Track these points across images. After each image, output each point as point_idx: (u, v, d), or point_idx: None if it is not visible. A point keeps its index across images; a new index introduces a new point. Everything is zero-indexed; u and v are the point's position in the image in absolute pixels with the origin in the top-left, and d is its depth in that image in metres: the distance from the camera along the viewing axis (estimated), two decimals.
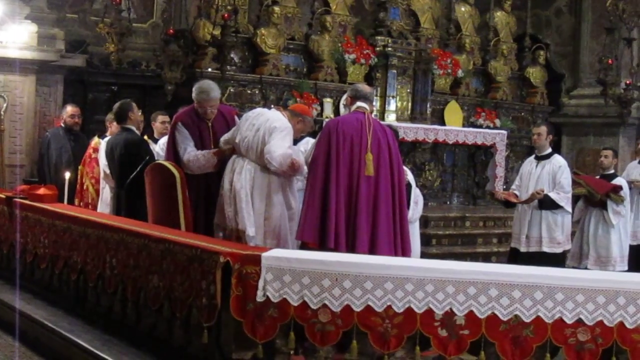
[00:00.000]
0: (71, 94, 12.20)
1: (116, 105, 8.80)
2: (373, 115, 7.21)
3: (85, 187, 9.84)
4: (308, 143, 7.79)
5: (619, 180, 10.06)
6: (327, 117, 12.65)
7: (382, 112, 13.56)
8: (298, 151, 7.44)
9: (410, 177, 7.76)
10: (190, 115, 7.86)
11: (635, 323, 4.96)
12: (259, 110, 7.59)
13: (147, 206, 7.87)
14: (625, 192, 9.95)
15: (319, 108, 13.01)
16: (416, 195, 7.82)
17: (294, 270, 4.94)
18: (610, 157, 10.20)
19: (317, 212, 6.64)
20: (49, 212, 7.57)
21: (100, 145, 9.65)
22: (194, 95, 7.77)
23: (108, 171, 9.02)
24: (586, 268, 9.68)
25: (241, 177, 7.21)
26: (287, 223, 7.24)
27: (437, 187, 14.48)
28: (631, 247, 10.78)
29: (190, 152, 7.67)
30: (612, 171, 10.22)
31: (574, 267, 9.62)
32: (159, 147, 9.27)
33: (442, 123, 14.50)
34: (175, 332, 5.62)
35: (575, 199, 9.73)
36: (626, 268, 9.82)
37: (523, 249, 9.30)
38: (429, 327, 4.93)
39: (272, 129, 7.16)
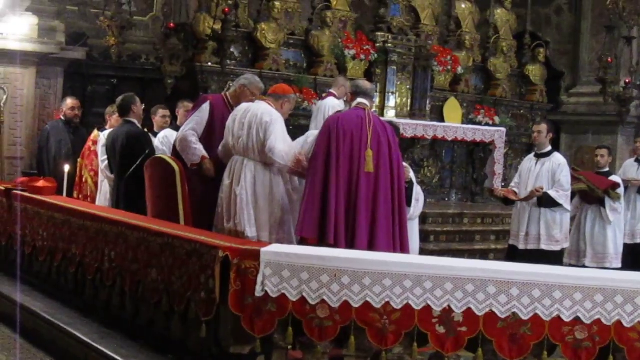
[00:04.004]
0: (71, 87, 12.20)
1: (119, 98, 8.81)
2: (372, 112, 7.22)
3: (84, 179, 9.84)
4: (308, 137, 7.77)
5: (614, 178, 10.11)
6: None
7: (382, 108, 13.56)
8: (297, 143, 7.49)
9: (412, 174, 7.76)
10: (221, 101, 7.99)
11: (633, 322, 4.97)
12: (243, 106, 7.50)
13: (146, 199, 7.88)
14: (621, 189, 10.00)
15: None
16: (417, 192, 7.81)
17: (293, 265, 4.95)
18: (606, 156, 10.27)
19: (316, 208, 6.64)
20: (48, 205, 7.58)
21: (99, 137, 9.65)
22: (243, 81, 7.99)
23: (103, 166, 9.05)
24: (584, 266, 9.70)
25: (241, 179, 7.21)
26: (290, 216, 7.25)
27: (436, 184, 14.46)
28: (627, 246, 10.82)
29: (191, 134, 7.74)
30: (607, 169, 10.27)
31: (572, 265, 9.63)
32: (159, 141, 9.27)
33: (442, 120, 14.50)
34: (173, 325, 5.63)
35: (571, 195, 9.76)
36: (620, 266, 9.86)
37: (521, 247, 9.30)
38: (427, 323, 4.94)
39: (264, 124, 7.16)
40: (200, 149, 7.71)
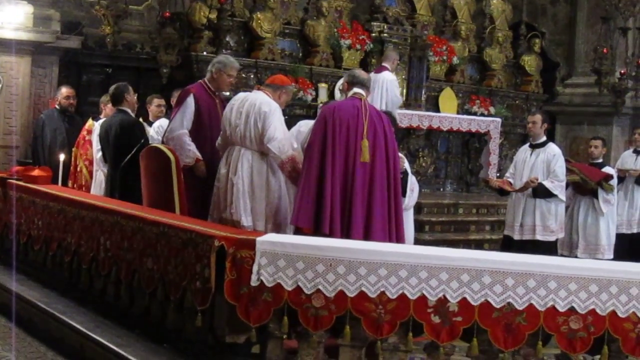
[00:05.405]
0: (66, 76, 12.16)
1: (112, 87, 8.79)
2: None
3: (79, 168, 9.84)
4: (300, 127, 7.79)
5: (607, 169, 10.13)
6: (321, 102, 12.65)
7: None
8: (290, 134, 7.50)
9: (406, 165, 7.76)
10: (202, 90, 7.96)
11: (627, 312, 4.97)
12: (241, 95, 7.52)
13: (141, 189, 7.87)
14: (614, 181, 10.03)
15: (313, 93, 13.01)
16: (412, 183, 7.82)
17: (289, 255, 4.96)
18: (600, 147, 10.31)
19: (312, 198, 6.64)
20: (43, 194, 7.57)
21: (94, 127, 9.63)
22: (218, 65, 7.92)
23: (98, 157, 9.03)
24: (576, 257, 9.73)
25: (238, 167, 7.22)
26: (287, 205, 7.27)
27: (431, 174, 14.48)
28: (625, 236, 10.87)
29: (185, 134, 7.71)
30: (600, 160, 10.29)
31: (564, 256, 9.65)
32: (154, 131, 9.26)
33: (437, 110, 14.51)
34: (168, 315, 5.64)
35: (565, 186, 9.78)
36: (612, 257, 9.90)
37: (516, 237, 9.32)
38: (422, 313, 4.95)
39: (262, 114, 7.16)
40: (193, 150, 7.70)
